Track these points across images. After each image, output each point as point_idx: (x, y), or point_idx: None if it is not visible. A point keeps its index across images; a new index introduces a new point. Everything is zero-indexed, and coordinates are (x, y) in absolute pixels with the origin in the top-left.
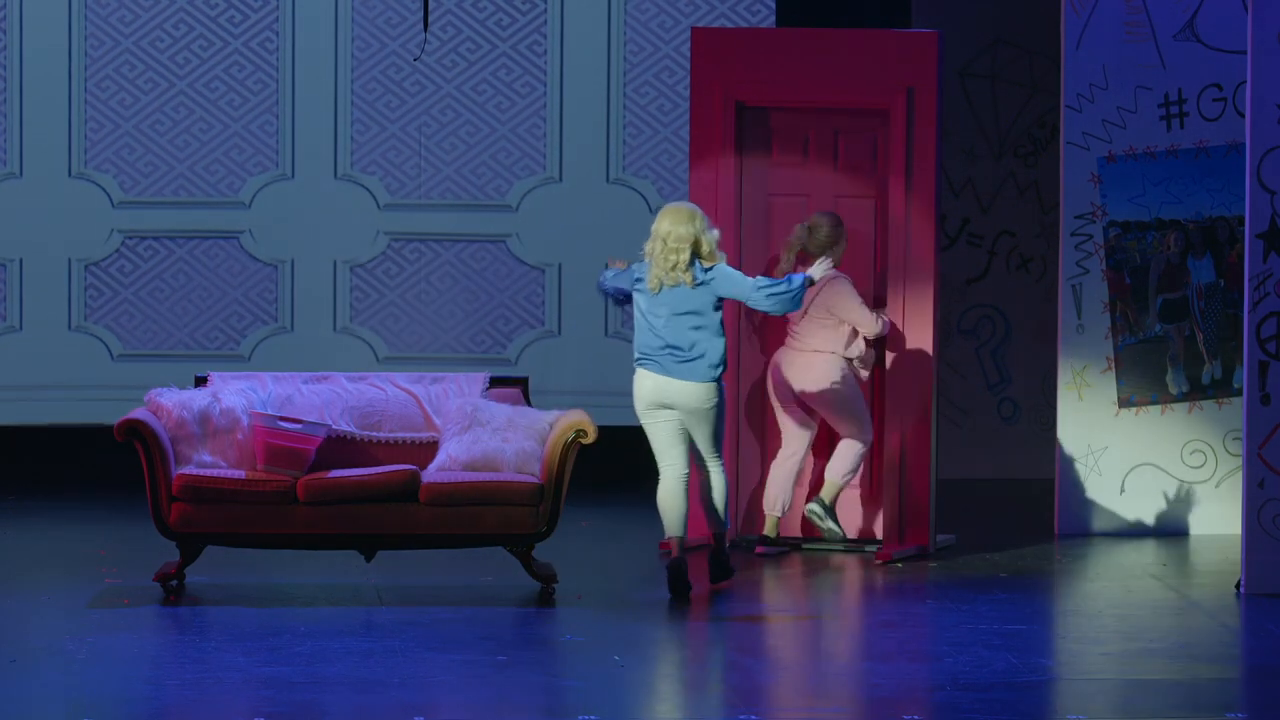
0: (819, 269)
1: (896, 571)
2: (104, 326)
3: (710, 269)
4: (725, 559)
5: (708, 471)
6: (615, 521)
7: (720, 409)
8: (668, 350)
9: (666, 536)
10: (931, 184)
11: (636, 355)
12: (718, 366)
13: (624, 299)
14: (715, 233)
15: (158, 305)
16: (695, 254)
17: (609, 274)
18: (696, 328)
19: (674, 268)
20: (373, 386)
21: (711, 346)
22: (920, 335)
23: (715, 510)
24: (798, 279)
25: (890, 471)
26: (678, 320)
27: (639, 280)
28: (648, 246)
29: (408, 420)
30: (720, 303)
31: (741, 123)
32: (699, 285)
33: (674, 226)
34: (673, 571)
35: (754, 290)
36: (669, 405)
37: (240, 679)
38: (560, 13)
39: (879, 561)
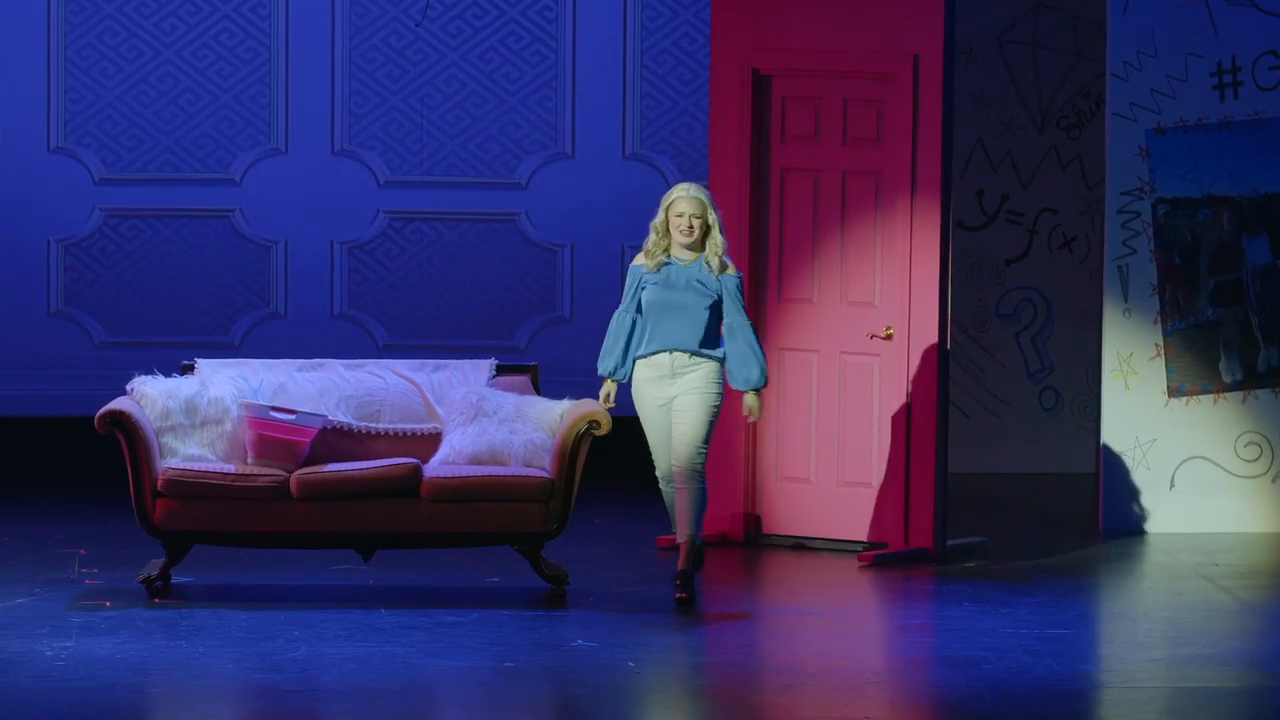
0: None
1: (931, 573)
2: (85, 311)
3: None
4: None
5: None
6: (630, 519)
7: None
8: None
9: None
10: (937, 159)
11: None
12: None
13: None
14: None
15: (142, 289)
16: None
17: None
18: None
19: None
20: (371, 375)
21: None
22: (925, 328)
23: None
24: None
25: (894, 470)
26: None
27: None
28: None
29: (409, 411)
30: None
31: (759, 93)
32: None
33: None
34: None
35: None
36: None
37: (230, 687)
38: None
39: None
